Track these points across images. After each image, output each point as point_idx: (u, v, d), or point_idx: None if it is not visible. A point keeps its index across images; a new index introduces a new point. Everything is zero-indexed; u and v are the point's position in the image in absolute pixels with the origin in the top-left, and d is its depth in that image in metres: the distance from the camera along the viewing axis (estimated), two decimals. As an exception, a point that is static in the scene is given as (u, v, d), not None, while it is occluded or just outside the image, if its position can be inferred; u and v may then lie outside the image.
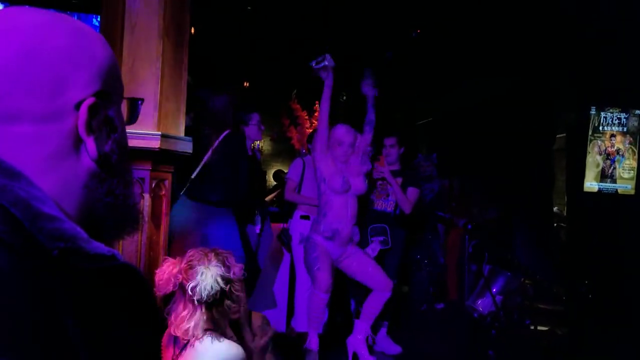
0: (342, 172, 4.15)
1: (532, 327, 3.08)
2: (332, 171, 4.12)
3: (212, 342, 2.08)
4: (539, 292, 3.68)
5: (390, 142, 4.83)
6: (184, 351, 2.09)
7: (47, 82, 0.67)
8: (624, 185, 6.49)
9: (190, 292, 2.06)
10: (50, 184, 0.67)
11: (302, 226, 4.89)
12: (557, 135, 7.38)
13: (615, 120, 6.46)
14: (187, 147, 2.95)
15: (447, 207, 5.85)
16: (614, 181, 6.47)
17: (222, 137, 4.02)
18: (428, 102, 9.06)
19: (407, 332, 4.86)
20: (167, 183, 3.02)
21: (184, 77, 3.08)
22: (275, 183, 8.85)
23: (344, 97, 9.58)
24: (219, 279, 2.10)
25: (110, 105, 0.73)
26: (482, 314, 3.34)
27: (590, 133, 6.43)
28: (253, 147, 4.70)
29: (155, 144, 2.68)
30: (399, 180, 4.74)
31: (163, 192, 2.99)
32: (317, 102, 6.41)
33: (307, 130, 6.12)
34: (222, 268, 2.13)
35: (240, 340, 3.05)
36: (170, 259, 2.20)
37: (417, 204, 4.75)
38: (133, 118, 0.83)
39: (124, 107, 0.80)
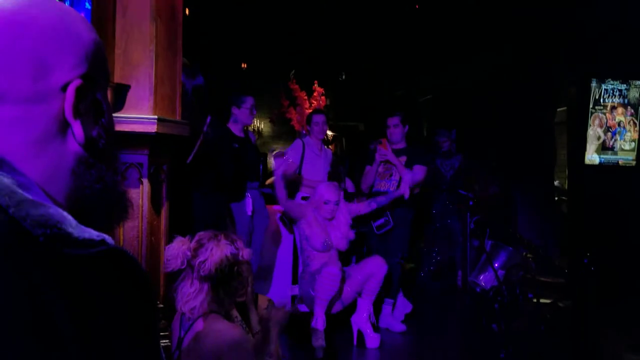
0: (326, 230, 4.22)
1: (535, 300, 3.08)
2: (315, 230, 4.16)
3: (215, 322, 2.09)
4: (541, 265, 3.69)
5: (394, 122, 4.81)
6: (189, 332, 2.10)
7: (32, 63, 0.65)
8: (625, 157, 6.47)
9: (198, 268, 2.07)
10: (36, 169, 0.66)
11: None
12: (558, 109, 7.34)
13: (617, 92, 6.42)
14: (184, 130, 2.93)
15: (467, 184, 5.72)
16: (615, 153, 6.45)
17: (207, 122, 4.00)
18: (428, 79, 9.00)
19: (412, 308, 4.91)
20: (166, 167, 3.01)
21: (179, 60, 3.05)
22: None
23: (343, 77, 9.53)
24: (229, 256, 2.11)
25: (97, 89, 0.72)
26: (485, 289, 3.35)
27: (591, 106, 6.39)
28: (245, 129, 4.66)
29: (152, 128, 2.66)
30: (403, 159, 4.72)
31: (162, 177, 2.98)
32: (315, 82, 6.37)
33: (306, 110, 6.09)
34: (231, 247, 2.14)
35: (246, 322, 3.08)
36: (180, 237, 2.21)
37: (432, 181, 4.80)
38: (119, 104, 0.82)
39: (111, 94, 0.78)
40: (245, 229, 4.28)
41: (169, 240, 2.95)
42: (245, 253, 2.23)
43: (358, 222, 5.09)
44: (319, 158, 4.99)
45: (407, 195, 4.40)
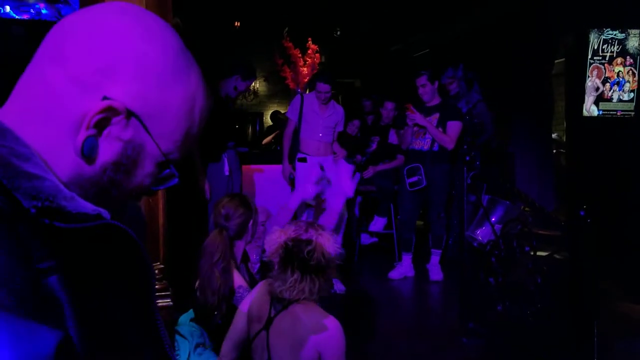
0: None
1: (532, 253, 3.11)
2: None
3: (316, 313, 2.11)
4: (538, 218, 3.71)
5: (421, 82, 4.87)
6: (282, 312, 2.12)
7: (108, 58, 0.66)
8: (624, 108, 6.44)
9: (306, 257, 2.08)
10: (42, 141, 0.65)
11: (299, 169, 4.90)
12: (556, 61, 7.26)
13: (615, 42, 6.33)
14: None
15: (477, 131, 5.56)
16: (614, 104, 6.42)
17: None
18: (424, 34, 8.87)
19: (419, 263, 5.05)
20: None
21: (170, 20, 2.99)
22: (272, 124, 8.80)
23: (338, 33, 9.39)
24: (335, 246, 2.14)
25: (131, 131, 0.68)
26: (482, 243, 3.38)
27: (589, 56, 6.32)
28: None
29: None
30: (437, 116, 4.76)
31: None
32: (309, 39, 6.28)
33: (300, 68, 6.02)
34: (332, 238, 2.17)
35: None
36: (278, 227, 2.23)
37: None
38: (156, 182, 0.77)
39: (159, 164, 0.73)
40: (223, 189, 4.34)
41: (167, 203, 2.96)
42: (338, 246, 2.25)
43: (392, 178, 5.22)
44: (318, 116, 4.90)
45: (450, 147, 4.67)
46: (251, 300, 2.30)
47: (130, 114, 0.67)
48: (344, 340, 2.08)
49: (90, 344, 0.59)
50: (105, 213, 0.64)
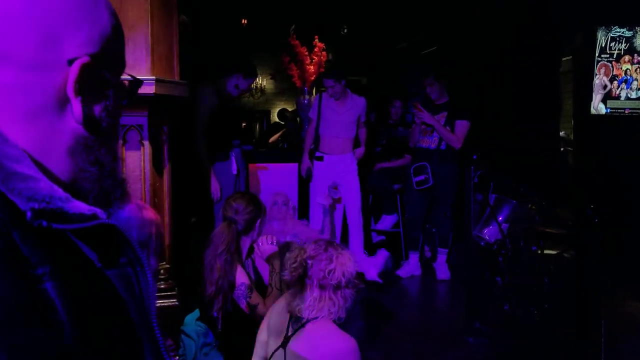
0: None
1: (539, 252, 3.10)
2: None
3: (332, 331, 2.10)
4: (545, 217, 3.70)
5: (429, 82, 4.89)
6: (300, 330, 2.12)
7: (42, 29, 0.64)
8: (632, 106, 6.39)
9: (327, 275, 2.07)
10: (31, 142, 0.64)
11: (316, 167, 4.92)
12: (564, 58, 7.21)
13: (623, 39, 6.29)
14: (183, 90, 2.90)
15: None
16: (622, 102, 6.37)
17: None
18: (431, 31, 8.84)
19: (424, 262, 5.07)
20: (167, 129, 2.99)
21: (175, 17, 3.00)
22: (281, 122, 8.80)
23: (345, 31, 9.37)
24: (355, 265, 2.13)
25: (106, 72, 0.70)
26: (489, 242, 3.37)
27: (597, 54, 6.27)
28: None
29: (150, 89, 2.63)
30: (444, 114, 4.76)
31: (163, 138, 2.97)
32: (316, 37, 6.26)
33: (307, 66, 6.00)
34: (352, 258, 2.16)
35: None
36: (297, 245, 2.23)
37: None
38: (130, 97, 0.80)
39: (124, 84, 0.77)
40: (231, 188, 4.35)
41: (172, 201, 2.97)
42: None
43: (397, 178, 5.22)
44: (335, 114, 4.91)
45: (457, 146, 4.68)
46: (270, 314, 2.29)
47: (93, 57, 0.67)
48: (356, 352, 2.07)
49: (85, 347, 0.58)
50: (100, 213, 0.63)
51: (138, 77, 0.81)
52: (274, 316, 2.24)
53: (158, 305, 2.54)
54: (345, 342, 2.09)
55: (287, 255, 2.20)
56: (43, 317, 0.55)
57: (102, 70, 0.69)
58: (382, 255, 4.85)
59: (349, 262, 2.12)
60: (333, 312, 2.11)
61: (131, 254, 0.68)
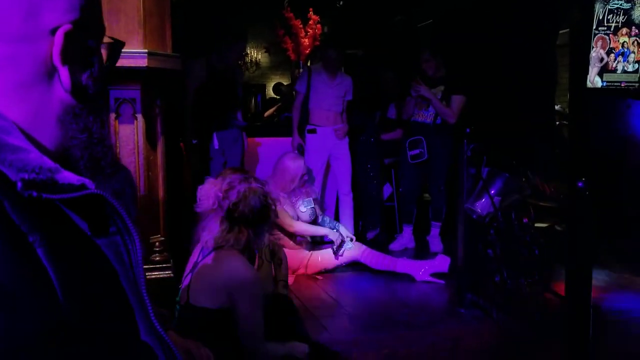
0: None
1: (530, 225, 3.13)
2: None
3: (232, 258, 2.15)
4: (537, 190, 3.72)
5: (425, 57, 4.87)
6: (205, 259, 2.18)
7: (22, 1, 0.64)
8: (628, 79, 6.38)
9: (230, 209, 2.12)
10: (20, 113, 0.65)
11: (308, 140, 4.91)
12: (561, 31, 7.17)
13: (621, 12, 6.24)
14: (175, 64, 2.89)
15: None
16: (619, 76, 6.35)
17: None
18: (428, 3, 8.75)
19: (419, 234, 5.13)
20: (160, 102, 2.99)
21: (167, 6, 2.97)
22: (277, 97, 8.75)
23: (341, 3, 9.26)
24: (262, 198, 2.17)
25: (88, 38, 0.71)
26: (481, 215, 3.40)
27: (594, 27, 6.23)
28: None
29: (143, 62, 2.63)
30: (441, 89, 4.76)
31: (156, 112, 2.97)
32: (310, 9, 6.21)
33: (302, 39, 5.97)
34: (263, 190, 2.19)
35: (276, 266, 3.18)
36: (211, 179, 2.26)
37: None
38: (113, 60, 0.80)
39: (106, 49, 0.77)
40: (217, 165, 4.32)
41: (166, 174, 2.99)
42: (274, 195, 2.28)
43: (392, 151, 5.22)
44: (328, 87, 4.90)
45: (452, 121, 4.70)
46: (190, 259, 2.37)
47: (75, 24, 0.68)
48: (259, 288, 2.14)
49: (77, 314, 0.60)
50: (89, 183, 0.64)
51: (119, 39, 0.81)
52: (192, 255, 2.32)
53: (153, 277, 2.57)
54: (246, 269, 2.16)
55: (199, 187, 2.25)
56: (35, 283, 0.57)
57: (84, 37, 0.70)
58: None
59: (255, 196, 2.16)
60: (241, 243, 2.17)
61: (120, 223, 0.69)
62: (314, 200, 4.31)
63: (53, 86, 0.68)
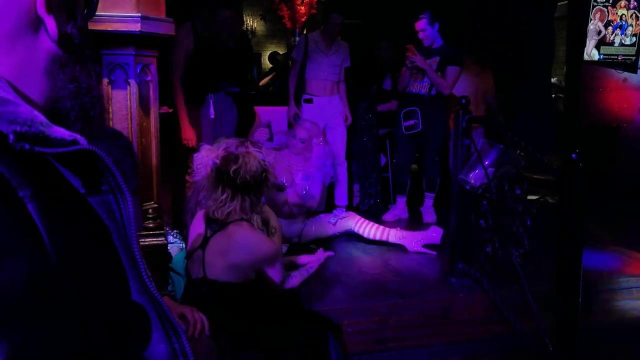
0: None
1: (523, 197, 3.14)
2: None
3: (250, 231, 2.15)
4: (531, 162, 3.73)
5: (421, 26, 4.76)
6: (217, 232, 2.16)
7: None
8: (625, 52, 6.35)
9: (232, 175, 2.11)
10: (6, 66, 0.64)
11: (305, 110, 4.88)
12: (559, 3, 7.10)
13: (620, -17, 6.19)
14: (169, 28, 2.85)
15: None
16: (616, 49, 6.32)
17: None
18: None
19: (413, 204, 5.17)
20: (153, 68, 2.95)
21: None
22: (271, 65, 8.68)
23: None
24: (261, 162, 2.15)
25: None
26: (474, 186, 3.41)
27: (593, -1, 6.18)
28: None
29: (136, 26, 2.60)
30: (437, 59, 4.70)
31: (149, 78, 2.93)
32: (307, -24, 6.12)
33: (298, 7, 5.90)
34: (261, 153, 2.18)
35: (270, 235, 3.19)
36: (207, 146, 2.25)
37: None
38: (93, 9, 0.79)
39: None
40: (210, 134, 4.25)
41: (160, 142, 2.97)
42: (271, 159, 2.28)
43: (387, 122, 5.20)
44: (325, 56, 4.85)
45: (446, 92, 4.67)
46: (191, 228, 2.36)
47: None
48: (281, 252, 2.18)
49: (69, 271, 0.60)
50: (81, 139, 0.63)
51: None
52: (193, 229, 2.33)
53: (147, 243, 2.58)
54: (262, 239, 2.18)
55: (195, 155, 2.25)
56: (25, 238, 0.56)
57: None
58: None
59: (254, 160, 2.16)
60: (247, 210, 2.18)
61: (112, 181, 0.68)
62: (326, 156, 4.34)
63: (39, 37, 0.67)
